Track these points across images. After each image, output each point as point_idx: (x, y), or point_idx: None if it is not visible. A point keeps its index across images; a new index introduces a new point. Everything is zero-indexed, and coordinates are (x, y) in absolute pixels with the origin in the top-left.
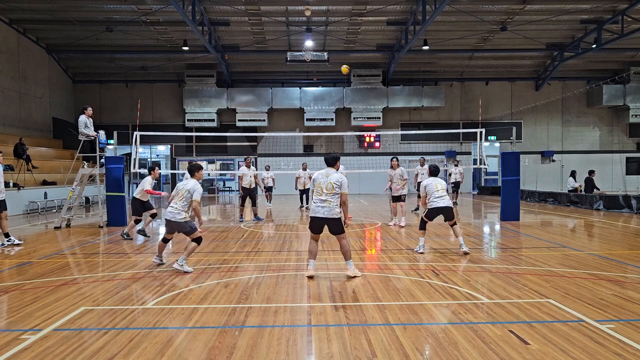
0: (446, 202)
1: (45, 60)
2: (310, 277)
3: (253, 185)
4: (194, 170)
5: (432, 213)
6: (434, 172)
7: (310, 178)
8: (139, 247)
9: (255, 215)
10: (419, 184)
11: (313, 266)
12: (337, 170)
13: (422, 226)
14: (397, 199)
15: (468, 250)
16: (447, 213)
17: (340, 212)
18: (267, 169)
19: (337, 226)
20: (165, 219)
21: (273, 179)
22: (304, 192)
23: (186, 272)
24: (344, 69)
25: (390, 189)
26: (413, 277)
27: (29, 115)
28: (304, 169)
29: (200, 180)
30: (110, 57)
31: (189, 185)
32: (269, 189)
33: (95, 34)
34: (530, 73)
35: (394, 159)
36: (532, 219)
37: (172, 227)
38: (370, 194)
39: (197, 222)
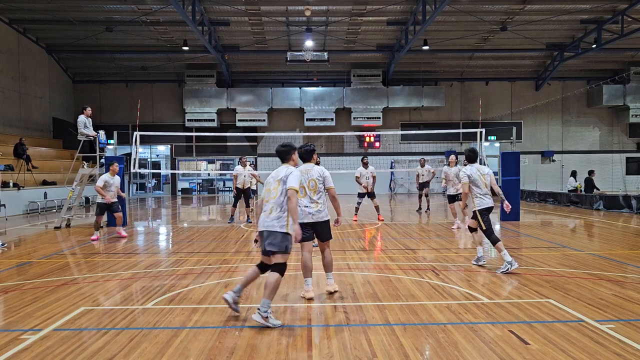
0: (492, 199)
1: (45, 60)
2: (310, 299)
3: (247, 185)
4: (284, 153)
5: (485, 214)
6: (471, 157)
7: None
8: (139, 248)
9: (248, 216)
10: (420, 184)
11: (311, 286)
12: (316, 164)
13: (494, 237)
14: (453, 198)
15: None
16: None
17: (328, 213)
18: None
19: (325, 230)
20: (259, 232)
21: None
22: None
23: (272, 327)
24: None
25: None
26: (413, 277)
27: (29, 115)
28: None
29: (296, 166)
30: (110, 57)
31: (281, 173)
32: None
33: (95, 34)
34: (530, 73)
35: (453, 155)
36: (532, 219)
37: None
38: None
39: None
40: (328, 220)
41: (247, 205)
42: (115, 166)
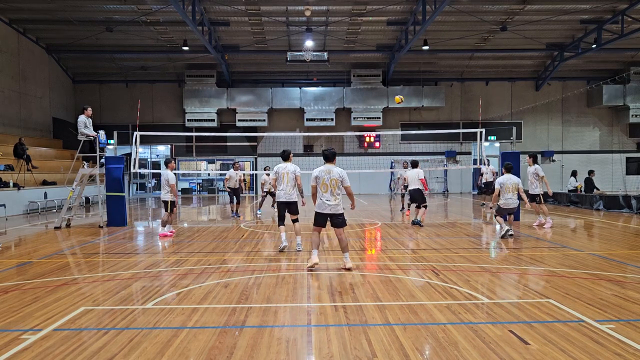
0: (286, 195)
1: (45, 60)
2: (315, 264)
3: (237, 186)
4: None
5: (279, 204)
6: (284, 156)
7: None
8: (139, 248)
9: (235, 211)
10: (405, 186)
11: (316, 255)
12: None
13: (281, 223)
14: (532, 198)
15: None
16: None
17: (343, 207)
18: (266, 169)
19: (341, 220)
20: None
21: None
22: None
23: None
24: (398, 99)
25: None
26: (413, 277)
27: (29, 115)
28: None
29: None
30: (110, 57)
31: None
32: (272, 194)
33: (95, 34)
34: (530, 73)
35: (529, 158)
36: (532, 219)
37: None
38: (371, 193)
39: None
40: (343, 213)
41: (238, 202)
42: None
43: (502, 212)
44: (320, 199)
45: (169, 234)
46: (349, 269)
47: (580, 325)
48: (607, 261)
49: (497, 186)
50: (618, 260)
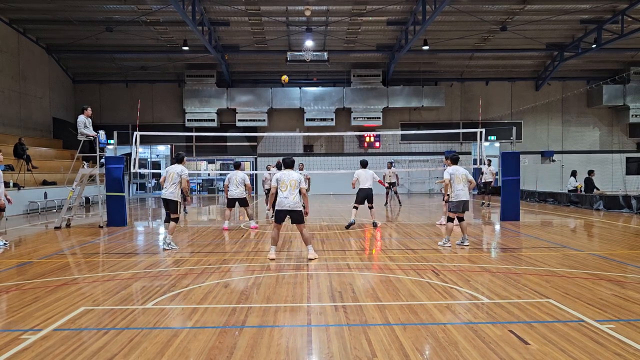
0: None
1: (45, 60)
2: (272, 260)
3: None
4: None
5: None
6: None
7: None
8: (139, 248)
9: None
10: (389, 183)
11: (274, 251)
12: (299, 171)
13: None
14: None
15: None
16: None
17: (302, 204)
18: (300, 168)
19: (299, 217)
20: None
21: (308, 179)
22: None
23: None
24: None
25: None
26: (413, 277)
27: (29, 115)
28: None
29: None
30: (110, 57)
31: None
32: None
33: (95, 34)
34: (530, 73)
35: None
36: (532, 219)
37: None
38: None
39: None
40: (301, 210)
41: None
42: None
43: (457, 208)
44: (280, 197)
45: (257, 226)
46: (311, 259)
47: (580, 325)
48: (607, 261)
49: (446, 176)
50: (618, 260)
